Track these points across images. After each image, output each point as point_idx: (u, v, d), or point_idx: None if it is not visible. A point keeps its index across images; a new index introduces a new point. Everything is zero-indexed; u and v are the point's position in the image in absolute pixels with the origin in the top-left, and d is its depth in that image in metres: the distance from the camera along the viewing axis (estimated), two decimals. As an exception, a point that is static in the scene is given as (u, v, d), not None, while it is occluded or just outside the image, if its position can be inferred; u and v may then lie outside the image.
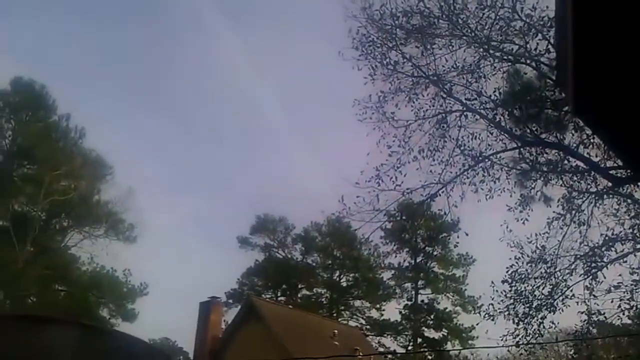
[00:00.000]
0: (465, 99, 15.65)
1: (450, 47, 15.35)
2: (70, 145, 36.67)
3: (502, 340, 15.87)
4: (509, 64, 15.23)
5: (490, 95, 15.32)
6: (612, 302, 14.92)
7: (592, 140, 13.65)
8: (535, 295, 15.68)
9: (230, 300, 43.47)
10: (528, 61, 14.91)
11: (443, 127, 15.84)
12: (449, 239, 42.66)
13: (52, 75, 57.52)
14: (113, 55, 57.78)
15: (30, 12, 51.87)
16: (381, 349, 40.88)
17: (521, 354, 16.83)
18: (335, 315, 44.30)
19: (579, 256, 15.35)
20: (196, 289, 62.84)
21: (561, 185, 15.38)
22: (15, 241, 31.91)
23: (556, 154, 15.20)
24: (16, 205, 35.68)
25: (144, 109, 59.00)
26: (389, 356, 41.26)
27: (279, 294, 47.61)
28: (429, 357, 41.64)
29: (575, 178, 15.27)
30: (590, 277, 15.14)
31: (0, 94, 36.18)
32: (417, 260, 46.18)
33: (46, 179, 33.28)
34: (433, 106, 15.83)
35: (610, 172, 13.88)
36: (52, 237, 36.26)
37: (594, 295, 15.10)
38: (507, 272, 15.81)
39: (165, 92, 59.79)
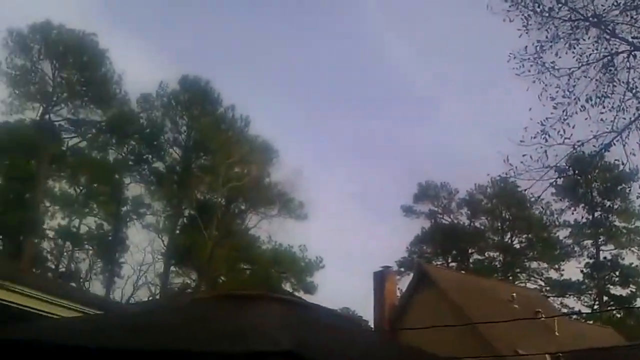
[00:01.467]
0: (632, 38, 14.35)
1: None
2: (238, 133, 39.25)
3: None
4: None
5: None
6: None
7: None
8: None
9: (402, 269, 44.05)
10: None
11: (610, 70, 14.64)
12: (629, 189, 39.48)
13: (211, 68, 61.18)
14: (261, 37, 60.12)
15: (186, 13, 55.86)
16: (564, 310, 39.15)
17: None
18: (511, 278, 43.09)
19: None
20: (367, 259, 64.40)
21: None
22: (202, 227, 35.13)
23: None
24: (199, 195, 39.11)
25: (294, 88, 60.89)
26: (574, 317, 39.35)
27: (449, 260, 47.34)
28: (617, 315, 39.07)
29: None
30: None
31: (172, 94, 39.73)
32: (595, 216, 43.34)
33: (222, 168, 36.00)
34: (596, 50, 14.67)
35: None
36: (233, 220, 39.29)
37: None
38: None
39: (313, 66, 61.16)
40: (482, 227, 48.25)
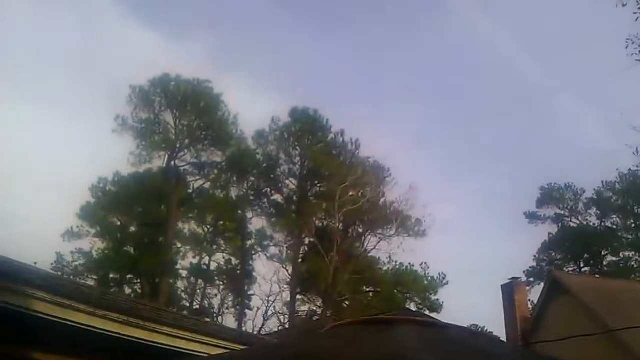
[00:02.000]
0: None
1: None
2: (349, 157, 40.02)
3: None
4: None
5: None
6: None
7: None
8: None
9: (532, 279, 42.44)
10: None
11: None
12: None
13: (320, 96, 62.59)
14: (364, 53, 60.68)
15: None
16: None
17: None
18: (652, 278, 40.18)
19: None
20: (492, 272, 62.35)
21: None
22: (323, 254, 35.98)
23: None
24: (317, 222, 40.11)
25: (402, 102, 60.77)
26: None
27: (581, 265, 44.97)
28: None
29: None
30: None
31: (285, 127, 41.33)
32: None
33: (337, 193, 36.79)
34: None
35: None
36: (352, 244, 39.81)
37: None
38: None
39: (417, 78, 60.85)
40: (615, 227, 45.47)
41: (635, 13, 14.10)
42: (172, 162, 38.13)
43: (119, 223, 37.94)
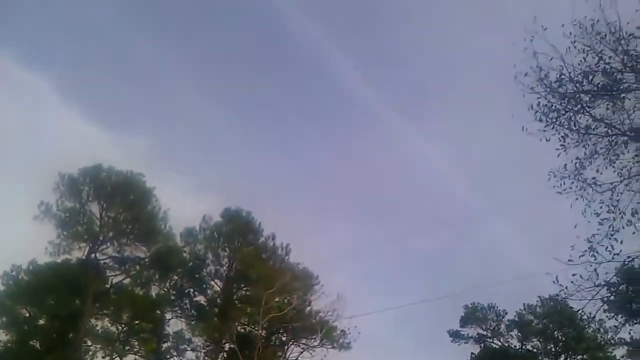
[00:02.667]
0: (674, 150, 14.54)
1: (643, 98, 14.57)
2: (279, 262, 39.46)
3: None
4: None
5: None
6: None
7: None
8: None
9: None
10: None
11: (654, 182, 14.75)
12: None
13: (253, 199, 62.60)
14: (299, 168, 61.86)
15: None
16: None
17: None
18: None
19: None
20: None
21: None
22: (242, 360, 34.36)
23: None
24: (239, 327, 38.61)
25: (335, 213, 61.56)
26: None
27: (502, 387, 44.78)
28: None
29: None
30: None
31: (215, 226, 40.64)
32: (654, 332, 41.04)
33: (263, 298, 35.81)
34: (638, 163, 14.91)
35: None
36: (274, 353, 38.40)
37: None
38: None
39: (352, 192, 62.16)
40: (535, 350, 45.99)
41: (557, 149, 15.15)
42: (93, 255, 36.39)
43: (27, 314, 35.19)
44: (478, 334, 47.08)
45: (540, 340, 45.82)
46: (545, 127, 15.35)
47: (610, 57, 14.50)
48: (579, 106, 15.28)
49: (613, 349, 42.60)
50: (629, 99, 14.83)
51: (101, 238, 36.61)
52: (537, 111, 15.34)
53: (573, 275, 14.38)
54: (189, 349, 38.89)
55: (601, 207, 14.65)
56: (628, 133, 14.89)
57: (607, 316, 41.32)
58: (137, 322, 37.88)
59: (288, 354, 38.73)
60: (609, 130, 15.10)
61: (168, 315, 39.33)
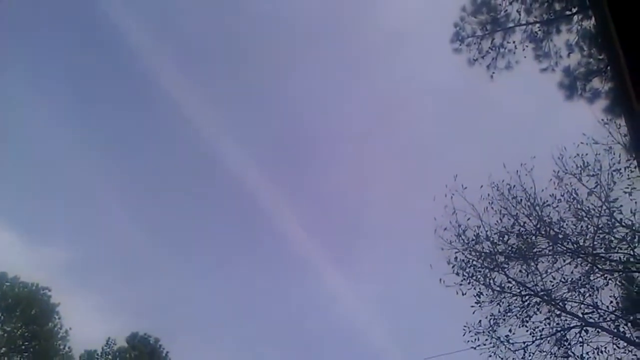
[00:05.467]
0: (582, 314, 15.09)
1: (555, 263, 15.32)
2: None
3: None
4: (620, 273, 14.86)
5: (608, 307, 14.75)
6: None
7: None
8: None
9: None
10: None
11: (564, 345, 15.14)
12: None
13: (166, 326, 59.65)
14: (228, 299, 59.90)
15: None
16: None
17: None
18: None
19: None
20: None
21: None
22: None
23: None
24: None
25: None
26: None
27: None
28: None
29: None
30: None
31: (119, 351, 38.08)
32: None
33: None
34: (549, 324, 15.35)
35: None
36: None
37: None
38: None
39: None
40: None
41: (472, 306, 15.50)
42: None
43: None
44: None
45: None
46: (462, 281, 15.78)
47: (524, 222, 15.36)
48: (495, 264, 15.87)
49: None
50: (542, 262, 15.55)
51: (-7, 355, 33.47)
52: (454, 265, 15.82)
53: None
54: None
55: (514, 366, 14.81)
56: (540, 294, 15.44)
57: None
58: None
59: None
60: (523, 290, 15.62)
61: None
